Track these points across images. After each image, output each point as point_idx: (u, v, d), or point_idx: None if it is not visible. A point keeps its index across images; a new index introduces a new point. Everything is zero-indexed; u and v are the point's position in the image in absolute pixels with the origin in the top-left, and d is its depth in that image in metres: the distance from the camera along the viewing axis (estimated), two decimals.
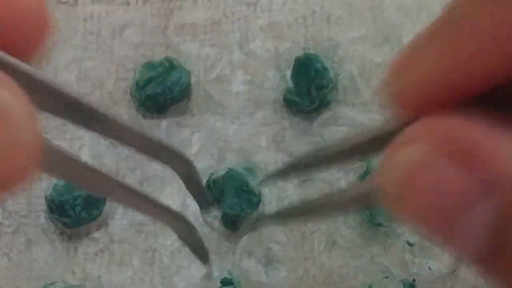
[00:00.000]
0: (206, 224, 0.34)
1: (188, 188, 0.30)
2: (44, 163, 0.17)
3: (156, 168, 0.34)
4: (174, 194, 0.34)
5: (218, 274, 0.33)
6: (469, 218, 0.15)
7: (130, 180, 0.34)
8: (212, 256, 0.33)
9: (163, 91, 0.35)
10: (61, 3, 0.37)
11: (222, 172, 0.34)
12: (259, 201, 0.34)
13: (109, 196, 0.23)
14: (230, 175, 0.34)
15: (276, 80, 0.36)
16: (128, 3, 0.37)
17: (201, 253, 0.31)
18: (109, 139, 0.24)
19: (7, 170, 0.15)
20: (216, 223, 0.34)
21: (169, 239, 0.34)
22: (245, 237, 0.34)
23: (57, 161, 0.19)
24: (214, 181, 0.34)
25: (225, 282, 0.33)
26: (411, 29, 0.36)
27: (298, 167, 0.30)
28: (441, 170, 0.16)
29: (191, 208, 0.34)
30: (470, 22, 0.16)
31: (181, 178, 0.29)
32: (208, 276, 0.33)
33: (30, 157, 0.16)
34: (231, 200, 0.33)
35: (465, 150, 0.15)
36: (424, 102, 0.17)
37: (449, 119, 0.16)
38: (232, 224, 0.34)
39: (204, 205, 0.32)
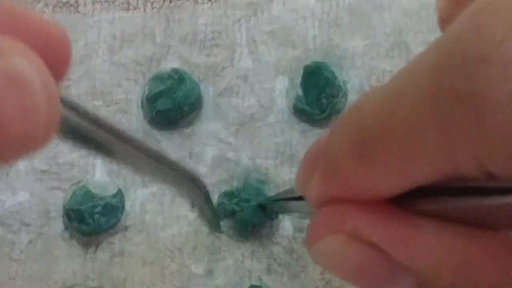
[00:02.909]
0: (222, 232, 0.34)
1: (201, 213, 0.31)
2: (61, 128, 0.18)
3: (164, 193, 0.35)
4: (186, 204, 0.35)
5: (237, 278, 0.34)
6: None
7: (146, 189, 0.35)
8: (232, 261, 0.34)
9: (173, 105, 0.35)
10: (71, 13, 0.38)
11: (236, 184, 0.35)
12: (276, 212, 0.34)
13: (122, 160, 0.24)
14: (247, 186, 0.34)
15: (285, 88, 0.36)
16: (137, 12, 0.38)
17: (213, 221, 0.32)
18: (121, 164, 0.25)
19: (28, 135, 0.16)
20: (229, 232, 0.34)
21: (187, 247, 0.34)
22: (261, 243, 0.34)
23: (72, 123, 0.20)
24: (228, 193, 0.34)
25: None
26: (418, 35, 0.36)
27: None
28: (359, 256, 0.18)
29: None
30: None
31: (193, 205, 0.29)
32: (228, 280, 0.34)
33: (50, 122, 0.17)
34: (251, 210, 0.34)
35: (372, 241, 0.18)
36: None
37: (352, 213, 0.18)
38: (246, 231, 0.34)
39: (216, 227, 0.33)
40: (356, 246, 0.18)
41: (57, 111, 0.17)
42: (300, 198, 0.26)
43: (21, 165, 0.36)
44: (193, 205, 0.31)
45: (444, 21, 0.22)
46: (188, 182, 0.27)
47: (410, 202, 0.17)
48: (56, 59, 0.18)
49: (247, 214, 0.34)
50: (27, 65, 0.16)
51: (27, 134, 0.16)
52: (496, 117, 0.14)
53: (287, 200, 0.31)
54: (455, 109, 0.15)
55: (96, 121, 0.21)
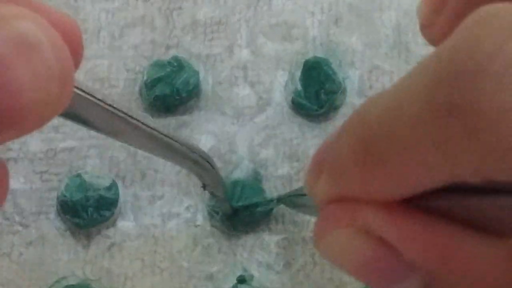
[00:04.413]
0: (215, 227, 0.34)
1: (213, 194, 0.31)
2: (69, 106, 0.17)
3: (166, 169, 0.35)
4: (184, 198, 0.35)
5: (229, 272, 0.34)
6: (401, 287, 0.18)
7: (139, 183, 0.35)
8: (223, 256, 0.34)
9: (172, 91, 0.35)
10: (71, 1, 0.37)
11: (232, 178, 0.35)
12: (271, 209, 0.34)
13: (123, 138, 0.23)
14: (243, 183, 0.34)
15: (284, 81, 0.36)
16: (139, 0, 0.37)
17: (224, 202, 0.32)
18: (128, 143, 0.24)
19: (43, 99, 0.16)
20: (225, 225, 0.34)
21: (180, 240, 0.34)
22: (254, 236, 0.34)
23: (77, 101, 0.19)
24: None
25: (241, 279, 0.34)
26: (417, 35, 0.36)
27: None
28: (368, 252, 0.18)
29: (200, 211, 0.34)
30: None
31: (205, 186, 0.29)
32: (221, 276, 0.34)
33: (64, 83, 0.16)
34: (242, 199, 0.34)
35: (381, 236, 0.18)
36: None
37: (363, 208, 0.18)
38: (241, 226, 0.34)
39: (227, 209, 0.33)
40: (365, 241, 0.18)
41: (71, 72, 0.17)
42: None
43: (16, 152, 0.35)
44: (205, 186, 0.31)
45: (426, 28, 0.23)
46: (200, 162, 0.27)
47: (419, 200, 0.18)
48: (70, 48, 0.17)
49: (243, 212, 0.34)
50: (34, 27, 0.16)
51: (42, 98, 0.15)
52: (492, 129, 0.14)
53: (299, 196, 0.31)
54: (452, 122, 0.15)
55: (105, 102, 0.21)
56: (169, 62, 0.36)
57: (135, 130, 0.23)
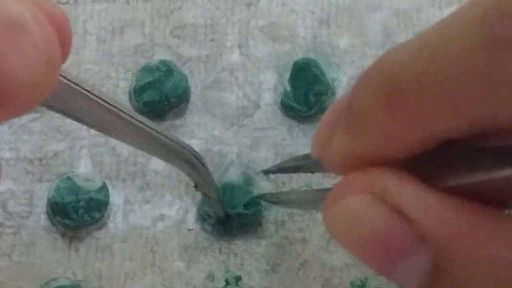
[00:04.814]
0: (205, 230, 0.34)
1: (205, 195, 0.31)
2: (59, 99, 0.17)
3: (157, 172, 0.35)
4: (175, 200, 0.35)
5: (220, 275, 0.34)
6: (407, 264, 0.17)
7: (130, 184, 0.35)
8: (212, 259, 0.34)
9: (161, 97, 0.35)
10: (61, 3, 0.37)
11: (222, 181, 0.35)
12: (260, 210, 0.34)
13: (114, 134, 0.23)
14: (232, 186, 0.34)
15: (273, 83, 0.36)
16: (128, 3, 0.37)
17: (217, 204, 0.32)
18: (120, 139, 0.24)
19: (30, 80, 0.16)
20: (215, 228, 0.34)
21: (170, 243, 0.34)
22: (244, 239, 0.34)
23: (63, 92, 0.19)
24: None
25: (231, 281, 0.34)
26: (408, 36, 0.36)
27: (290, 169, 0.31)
28: (380, 221, 0.17)
29: (191, 214, 0.35)
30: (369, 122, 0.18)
31: (197, 186, 0.29)
32: (210, 277, 0.34)
33: (52, 62, 0.16)
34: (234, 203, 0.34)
35: (399, 206, 0.17)
36: (350, 169, 0.19)
37: (383, 175, 0.18)
38: (230, 231, 0.34)
39: (220, 211, 0.33)
40: (380, 208, 0.17)
41: (58, 54, 0.17)
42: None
43: (7, 154, 0.35)
44: (196, 187, 0.31)
45: (317, 152, 0.21)
46: (191, 160, 0.27)
47: (430, 175, 0.17)
48: (59, 36, 0.17)
49: (232, 216, 0.34)
50: (21, 8, 0.16)
51: (30, 79, 0.15)
52: None
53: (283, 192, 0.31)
54: (508, 57, 0.14)
55: (97, 97, 0.21)
56: (157, 67, 0.36)
57: (124, 124, 0.23)
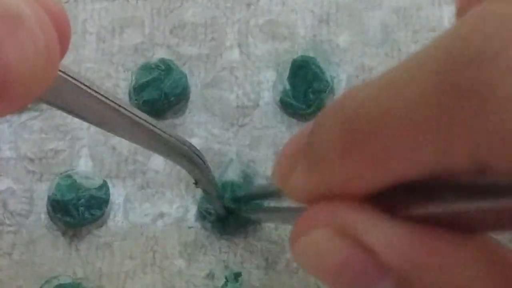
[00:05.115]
0: (205, 228, 0.34)
1: (205, 191, 0.31)
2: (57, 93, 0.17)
3: (157, 170, 0.35)
4: (175, 198, 0.35)
5: (220, 273, 0.34)
6: None
7: (130, 183, 0.35)
8: (213, 257, 0.34)
9: (160, 96, 0.35)
10: (61, 3, 0.37)
11: (222, 179, 0.35)
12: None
13: (114, 129, 0.23)
14: (232, 184, 0.35)
15: (273, 81, 0.36)
16: (128, 1, 0.37)
17: (217, 201, 0.32)
18: (119, 135, 0.24)
19: (28, 73, 0.16)
20: (215, 226, 0.34)
21: (170, 241, 0.34)
22: (243, 237, 0.34)
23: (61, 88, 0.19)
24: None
25: (230, 278, 0.34)
26: (408, 33, 0.36)
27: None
28: (342, 254, 0.18)
29: (191, 213, 0.35)
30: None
31: (197, 182, 0.29)
32: (210, 276, 0.34)
33: (51, 56, 0.16)
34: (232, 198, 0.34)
35: (359, 238, 0.17)
36: (311, 201, 0.19)
37: (344, 208, 0.18)
38: (230, 229, 0.34)
39: (220, 209, 0.33)
40: (342, 241, 0.18)
41: (56, 46, 0.17)
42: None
43: (7, 152, 0.35)
44: (196, 183, 0.31)
45: (279, 182, 0.21)
46: (190, 156, 0.27)
47: (393, 204, 0.18)
48: (58, 31, 0.17)
49: (233, 213, 0.34)
50: (18, 1, 0.16)
51: (28, 71, 0.15)
52: (504, 111, 0.14)
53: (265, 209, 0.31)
54: (460, 102, 0.15)
55: (96, 92, 0.21)
56: (156, 65, 0.36)
57: (124, 119, 0.22)
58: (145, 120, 0.23)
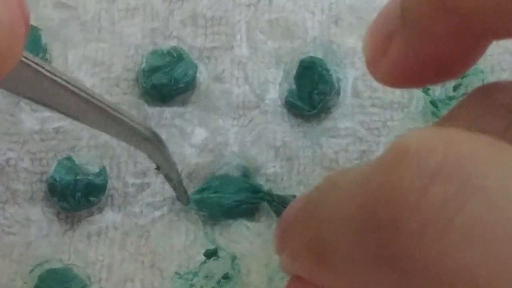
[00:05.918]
0: (201, 216, 0.35)
1: (167, 179, 0.31)
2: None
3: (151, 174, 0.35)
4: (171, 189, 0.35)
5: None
6: None
7: (129, 171, 0.35)
8: (209, 246, 0.34)
9: (169, 81, 0.35)
10: None
11: (220, 171, 0.35)
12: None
13: (75, 116, 0.23)
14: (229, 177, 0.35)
15: (279, 79, 0.36)
16: None
17: (179, 189, 0.32)
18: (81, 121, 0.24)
19: None
20: (211, 215, 0.35)
21: (166, 230, 0.34)
22: (238, 226, 0.34)
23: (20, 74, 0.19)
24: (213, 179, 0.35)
25: (209, 254, 0.34)
26: None
27: None
28: None
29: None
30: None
31: (159, 169, 0.29)
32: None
33: (14, 39, 0.16)
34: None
35: None
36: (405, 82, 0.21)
37: None
38: (225, 217, 0.34)
39: (183, 198, 0.32)
40: None
41: (21, 22, 0.17)
42: None
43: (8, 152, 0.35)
44: (158, 169, 0.30)
45: (372, 67, 0.22)
46: (150, 139, 0.27)
47: None
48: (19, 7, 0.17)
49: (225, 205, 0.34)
50: None
51: None
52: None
53: None
54: (387, 238, 0.15)
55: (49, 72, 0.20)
56: (168, 52, 0.36)
57: (84, 103, 0.22)
58: (105, 104, 0.23)
